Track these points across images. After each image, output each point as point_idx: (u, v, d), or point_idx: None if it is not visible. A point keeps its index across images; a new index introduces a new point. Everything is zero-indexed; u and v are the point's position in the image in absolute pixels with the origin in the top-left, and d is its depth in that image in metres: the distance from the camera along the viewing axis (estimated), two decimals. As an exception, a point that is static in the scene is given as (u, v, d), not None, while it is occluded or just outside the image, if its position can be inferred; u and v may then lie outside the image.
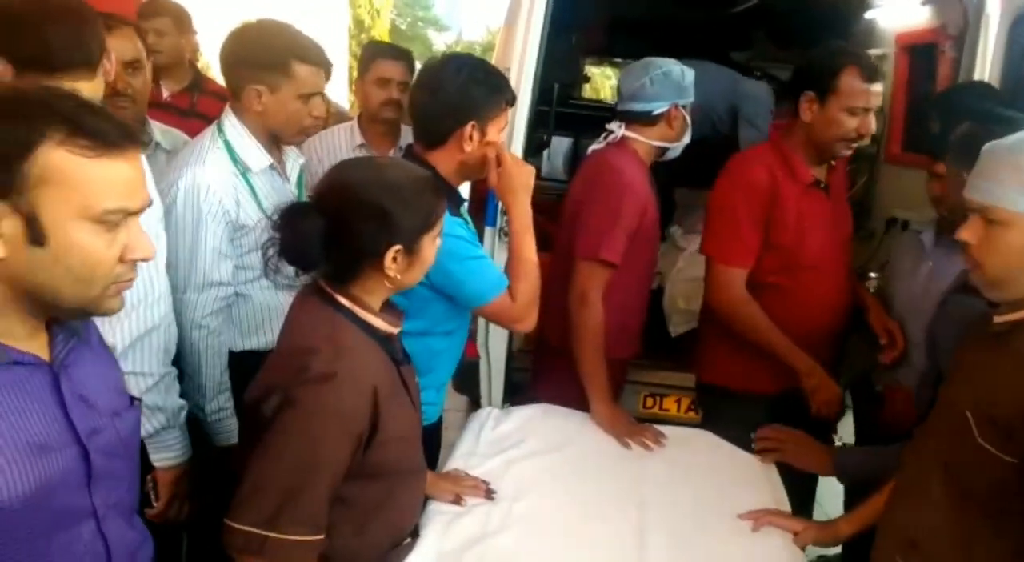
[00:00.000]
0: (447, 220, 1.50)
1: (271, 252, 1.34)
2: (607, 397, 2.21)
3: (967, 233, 1.32)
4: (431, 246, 1.43)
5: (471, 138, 1.83)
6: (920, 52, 3.34)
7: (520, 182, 1.88)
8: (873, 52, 3.90)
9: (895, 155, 3.34)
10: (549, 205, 2.47)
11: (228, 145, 1.95)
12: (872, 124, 2.17)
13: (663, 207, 3.37)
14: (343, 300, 1.37)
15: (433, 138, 1.87)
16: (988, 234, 1.29)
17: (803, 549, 1.72)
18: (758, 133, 3.46)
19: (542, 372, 2.55)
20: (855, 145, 2.24)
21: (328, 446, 1.25)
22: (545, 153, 4.70)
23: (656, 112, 2.32)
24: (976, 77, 2.70)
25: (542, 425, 2.14)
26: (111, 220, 0.96)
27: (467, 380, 2.74)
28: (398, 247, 1.34)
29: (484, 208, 2.54)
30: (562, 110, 4.68)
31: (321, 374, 1.25)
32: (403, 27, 28.34)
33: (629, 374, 2.67)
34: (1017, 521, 1.24)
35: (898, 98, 3.36)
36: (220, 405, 1.95)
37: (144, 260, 1.03)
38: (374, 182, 1.35)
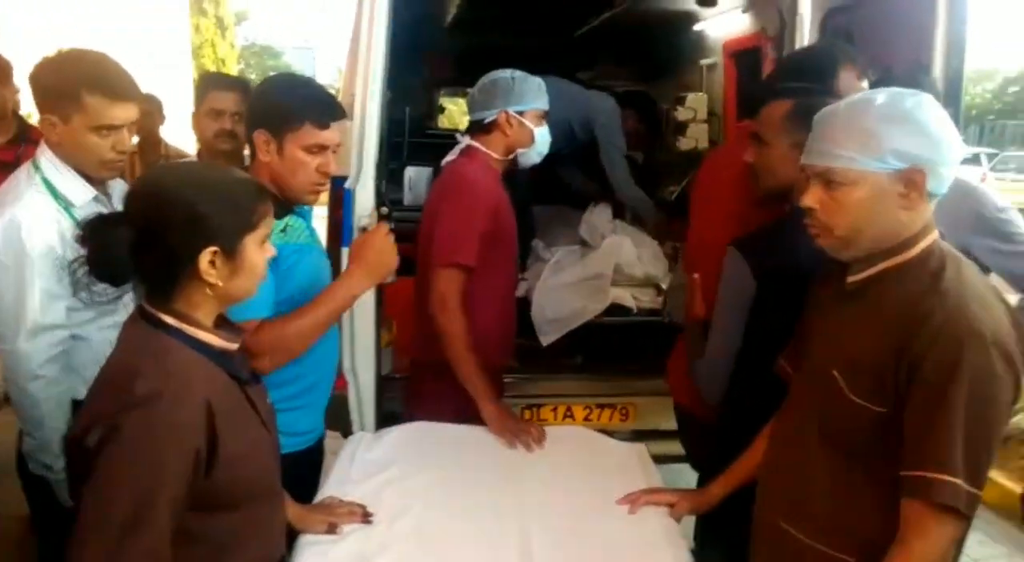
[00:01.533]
0: None
1: (80, 271, 1.22)
2: (491, 396, 2.16)
3: (810, 199, 1.34)
4: (257, 250, 1.31)
5: (267, 147, 1.75)
6: (745, 56, 3.57)
7: (375, 259, 1.75)
8: (704, 61, 4.16)
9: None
10: (411, 233, 2.43)
11: (47, 182, 1.84)
12: None
13: (523, 224, 3.42)
14: (167, 318, 1.25)
15: (250, 148, 1.80)
16: (832, 196, 1.31)
17: (679, 520, 1.73)
18: (614, 146, 3.56)
19: (415, 392, 2.47)
20: None
21: (163, 470, 1.14)
22: (406, 183, 4.67)
23: (487, 120, 2.33)
24: (796, 72, 2.89)
25: (416, 443, 2.05)
26: None
27: (337, 413, 2.60)
28: (214, 249, 1.23)
29: (340, 229, 2.45)
30: (419, 140, 4.68)
31: (146, 395, 1.14)
32: (253, 77, 27.76)
33: (505, 388, 2.62)
34: (892, 469, 1.26)
35: (730, 101, 3.56)
36: None
37: None
38: (185, 182, 1.25)
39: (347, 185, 2.36)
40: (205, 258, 1.23)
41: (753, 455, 1.61)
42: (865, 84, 2.05)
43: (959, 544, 1.46)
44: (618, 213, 3.59)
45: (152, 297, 1.27)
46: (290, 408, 1.78)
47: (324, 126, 1.77)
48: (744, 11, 3.56)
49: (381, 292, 2.53)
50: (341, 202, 2.42)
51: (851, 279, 1.37)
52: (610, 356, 3.17)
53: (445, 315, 2.18)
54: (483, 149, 2.35)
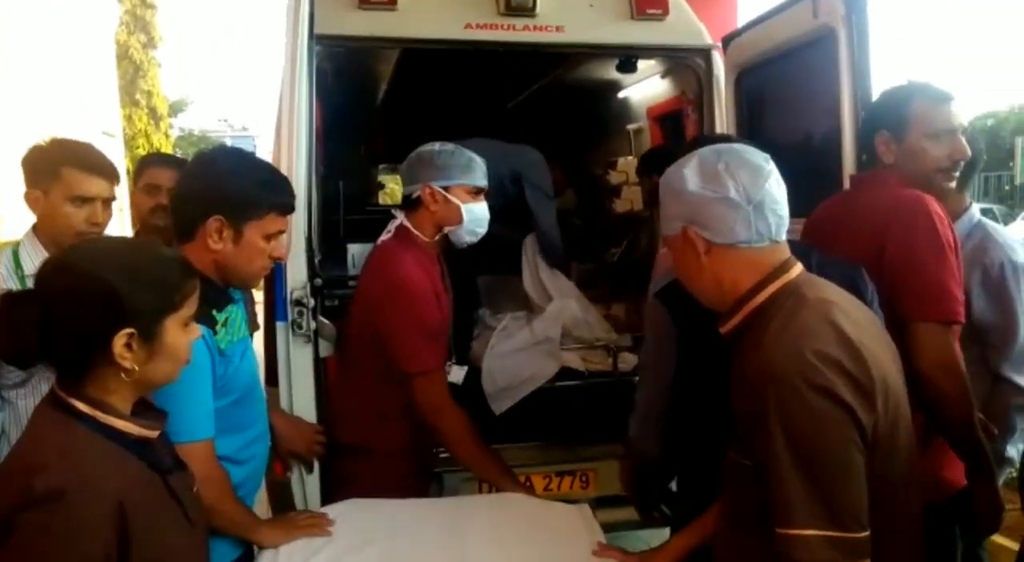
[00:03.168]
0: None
1: None
2: (512, 481, 2.18)
3: (666, 257, 1.42)
4: (179, 332, 1.24)
5: (220, 234, 1.66)
6: (669, 120, 3.71)
7: (285, 533, 1.77)
8: (631, 126, 4.31)
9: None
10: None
11: (15, 253, 2.05)
12: (962, 143, 1.95)
13: (468, 294, 3.41)
14: (78, 404, 1.16)
15: (180, 229, 1.70)
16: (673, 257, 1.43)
17: None
18: (544, 196, 3.58)
19: (341, 475, 2.35)
20: (955, 173, 2.01)
21: None
22: (349, 260, 4.66)
23: (413, 195, 2.25)
24: (717, 130, 3.02)
25: (350, 521, 1.93)
26: None
27: (280, 497, 2.52)
28: (130, 331, 1.16)
29: (274, 304, 2.41)
30: (360, 218, 4.69)
31: (47, 493, 1.04)
32: (191, 166, 27.63)
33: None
34: (765, 530, 1.20)
35: (657, 163, 3.66)
36: None
37: None
38: (101, 258, 1.19)
39: None
40: (120, 341, 1.15)
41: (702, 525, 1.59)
42: (947, 106, 1.98)
43: None
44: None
45: (63, 381, 1.18)
46: None
47: (288, 213, 1.75)
48: (663, 77, 3.72)
49: (321, 365, 2.49)
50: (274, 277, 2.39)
51: (722, 330, 1.39)
52: (566, 422, 3.13)
53: (443, 419, 2.17)
54: (411, 229, 2.27)
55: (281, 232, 1.74)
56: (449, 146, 2.28)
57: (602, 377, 3.09)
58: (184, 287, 1.24)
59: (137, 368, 1.18)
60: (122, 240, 1.48)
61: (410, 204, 2.28)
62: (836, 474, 1.15)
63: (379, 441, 2.25)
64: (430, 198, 2.23)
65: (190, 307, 1.26)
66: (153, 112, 20.12)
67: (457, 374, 2.61)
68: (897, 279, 1.83)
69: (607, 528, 1.96)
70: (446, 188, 2.23)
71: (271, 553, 1.76)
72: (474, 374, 3.02)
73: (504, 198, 3.55)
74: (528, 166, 3.45)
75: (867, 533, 1.15)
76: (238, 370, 1.70)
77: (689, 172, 1.33)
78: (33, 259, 2.01)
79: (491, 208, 2.34)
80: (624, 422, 2.25)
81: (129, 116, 18.40)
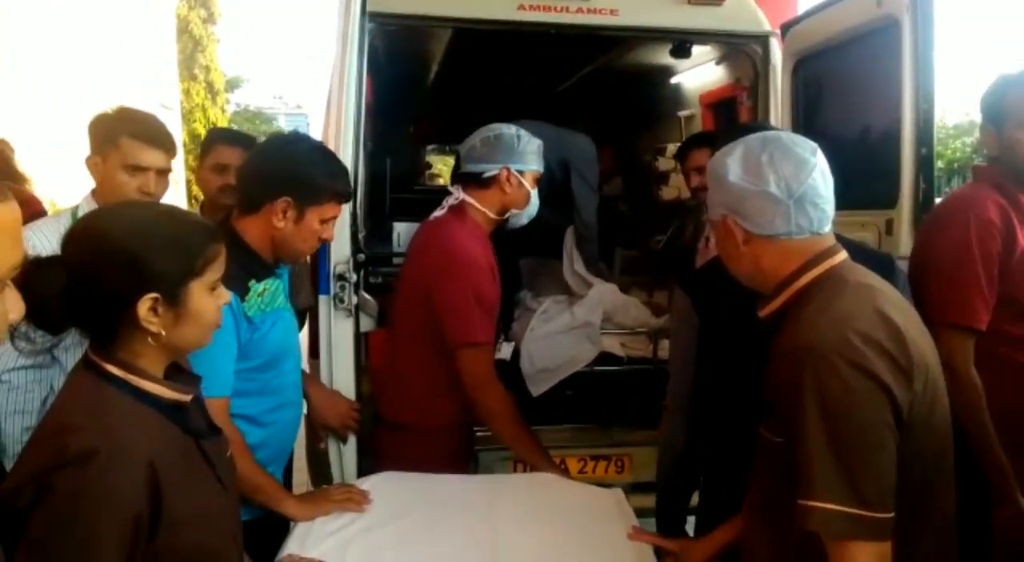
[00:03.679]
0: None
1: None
2: (549, 462, 2.20)
3: (704, 253, 1.43)
4: (205, 297, 1.23)
5: (284, 214, 1.79)
6: (722, 107, 3.65)
7: (313, 506, 1.82)
8: (682, 113, 4.25)
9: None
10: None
11: (73, 214, 2.07)
12: None
13: (510, 277, 3.43)
14: (111, 367, 1.18)
15: (245, 203, 1.80)
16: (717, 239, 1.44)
17: None
18: (588, 185, 3.58)
19: (384, 452, 2.37)
20: None
21: (97, 542, 1.06)
22: (395, 238, 4.73)
23: (487, 174, 2.25)
24: (771, 119, 2.96)
25: (383, 494, 1.96)
26: None
27: (318, 467, 2.57)
28: (154, 295, 1.16)
29: (317, 276, 2.45)
30: (407, 196, 4.73)
31: (81, 454, 1.06)
32: (245, 141, 28.10)
33: (498, 442, 2.58)
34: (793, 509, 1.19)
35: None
36: None
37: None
38: (124, 223, 1.19)
39: None
40: (144, 305, 1.16)
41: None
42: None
43: None
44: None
45: (95, 346, 1.20)
46: None
47: (346, 201, 1.92)
48: (718, 63, 3.66)
49: (362, 341, 2.53)
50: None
51: (760, 314, 1.39)
52: (603, 406, 3.13)
53: (486, 395, 2.18)
54: (477, 206, 2.28)
55: (335, 217, 1.88)
56: (523, 131, 2.32)
57: (642, 363, 3.08)
58: (207, 252, 1.23)
59: (164, 332, 1.19)
60: (147, 205, 1.49)
61: (480, 182, 2.28)
62: (865, 452, 1.16)
63: (425, 418, 2.28)
64: (506, 180, 2.26)
65: (215, 272, 1.25)
66: (210, 87, 20.48)
67: (506, 350, 2.66)
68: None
69: (642, 514, 1.96)
70: (521, 172, 2.27)
71: (305, 524, 1.81)
72: (514, 355, 3.05)
73: (551, 184, 3.55)
74: (579, 155, 3.45)
75: (891, 515, 1.15)
76: (265, 337, 1.79)
77: (732, 162, 1.33)
78: None
79: (539, 191, 2.36)
80: (661, 410, 2.25)
81: (187, 90, 18.76)
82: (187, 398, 1.26)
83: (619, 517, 1.89)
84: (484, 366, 2.20)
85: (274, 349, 1.83)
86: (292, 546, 1.71)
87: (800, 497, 1.18)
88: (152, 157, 2.08)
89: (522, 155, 2.28)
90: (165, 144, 2.12)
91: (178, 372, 1.29)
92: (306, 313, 2.83)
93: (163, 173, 2.13)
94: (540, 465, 2.18)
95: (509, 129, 2.30)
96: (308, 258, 2.80)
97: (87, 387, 1.17)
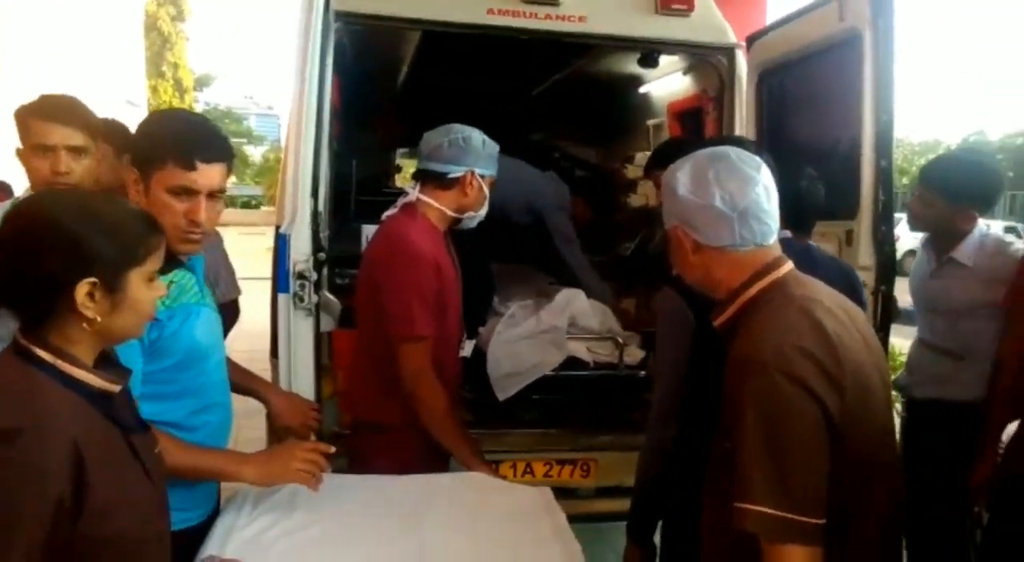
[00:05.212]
0: None
1: None
2: (481, 462, 2.20)
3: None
4: (143, 287, 1.23)
5: (136, 185, 1.62)
6: (689, 116, 3.69)
7: (279, 468, 1.72)
8: (650, 122, 4.30)
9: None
10: None
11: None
12: None
13: (483, 282, 3.43)
14: (39, 351, 1.16)
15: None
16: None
17: None
18: (561, 231, 3.69)
19: (359, 451, 2.37)
20: None
21: (17, 516, 1.05)
22: (363, 240, 4.71)
23: (452, 175, 2.26)
24: (736, 129, 3.01)
25: (308, 495, 1.87)
26: None
27: None
28: (93, 280, 1.16)
29: (276, 273, 2.43)
30: (376, 199, 4.71)
31: (5, 432, 1.06)
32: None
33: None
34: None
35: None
36: None
37: None
38: (67, 207, 1.18)
39: (282, 230, 2.36)
40: (82, 290, 1.15)
41: None
42: None
43: None
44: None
45: (26, 329, 1.18)
46: (180, 482, 1.63)
47: (189, 167, 1.58)
48: (685, 73, 3.71)
49: (323, 341, 2.50)
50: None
51: (714, 323, 1.45)
52: (569, 411, 3.15)
53: (423, 388, 2.18)
54: (434, 204, 2.29)
55: (190, 191, 1.59)
56: (486, 136, 2.34)
57: (608, 369, 3.10)
58: (150, 240, 1.24)
59: (100, 319, 1.18)
60: (88, 192, 1.49)
61: (443, 182, 2.28)
62: (799, 459, 1.23)
63: (390, 415, 2.26)
64: (469, 183, 2.28)
65: (155, 262, 1.25)
66: (179, 84, 20.28)
67: (468, 348, 2.65)
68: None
69: (605, 518, 1.94)
70: (482, 176, 2.31)
71: (231, 514, 1.78)
72: (478, 356, 3.05)
73: (508, 220, 3.62)
74: (552, 212, 3.61)
75: (821, 522, 1.22)
76: (176, 334, 1.65)
77: (682, 176, 1.41)
78: None
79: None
80: (627, 415, 2.25)
81: (155, 87, 18.55)
82: (116, 388, 1.25)
83: (547, 515, 1.89)
84: (421, 359, 2.19)
85: (189, 347, 1.68)
86: (211, 547, 1.66)
87: (736, 499, 1.25)
88: (57, 134, 1.96)
89: (487, 160, 2.32)
90: (70, 119, 1.99)
91: (107, 363, 1.28)
92: (232, 308, 2.79)
93: (76, 151, 2.00)
94: (471, 464, 2.17)
95: (476, 133, 2.32)
96: (223, 249, 2.75)
97: (14, 369, 1.16)
